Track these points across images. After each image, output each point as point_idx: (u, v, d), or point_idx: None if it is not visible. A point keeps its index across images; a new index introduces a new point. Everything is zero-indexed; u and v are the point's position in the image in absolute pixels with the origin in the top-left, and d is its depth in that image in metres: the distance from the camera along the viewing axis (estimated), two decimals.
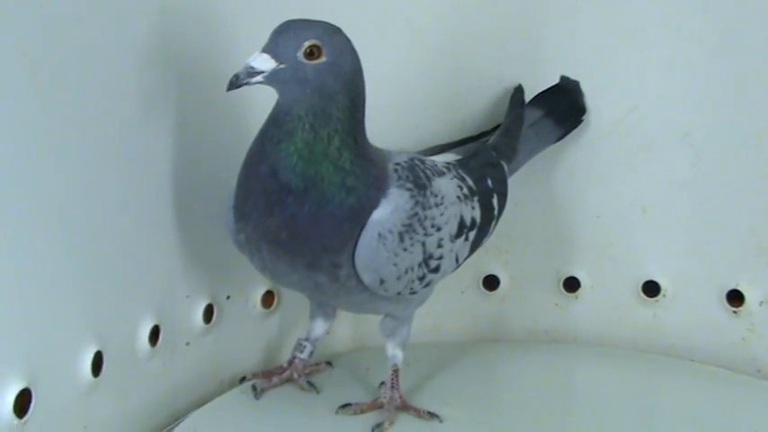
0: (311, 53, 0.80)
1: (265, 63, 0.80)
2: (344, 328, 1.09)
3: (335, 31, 0.83)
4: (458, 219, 0.91)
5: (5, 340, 0.77)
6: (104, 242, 0.87)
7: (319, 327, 0.99)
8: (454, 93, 1.08)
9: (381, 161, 0.87)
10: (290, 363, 0.98)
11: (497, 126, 1.04)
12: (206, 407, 0.96)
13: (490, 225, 0.96)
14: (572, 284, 1.11)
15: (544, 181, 1.09)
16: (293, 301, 1.05)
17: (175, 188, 0.95)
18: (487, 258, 1.10)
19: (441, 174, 0.91)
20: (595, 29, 1.06)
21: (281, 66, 0.80)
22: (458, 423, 0.92)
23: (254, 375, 0.99)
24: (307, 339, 0.99)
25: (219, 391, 1.00)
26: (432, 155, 0.98)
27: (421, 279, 0.89)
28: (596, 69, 1.07)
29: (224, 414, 0.95)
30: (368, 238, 0.84)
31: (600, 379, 1.07)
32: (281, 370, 0.98)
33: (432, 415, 0.92)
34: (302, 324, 1.02)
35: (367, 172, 0.84)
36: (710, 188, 1.06)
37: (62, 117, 0.82)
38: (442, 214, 0.89)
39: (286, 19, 0.82)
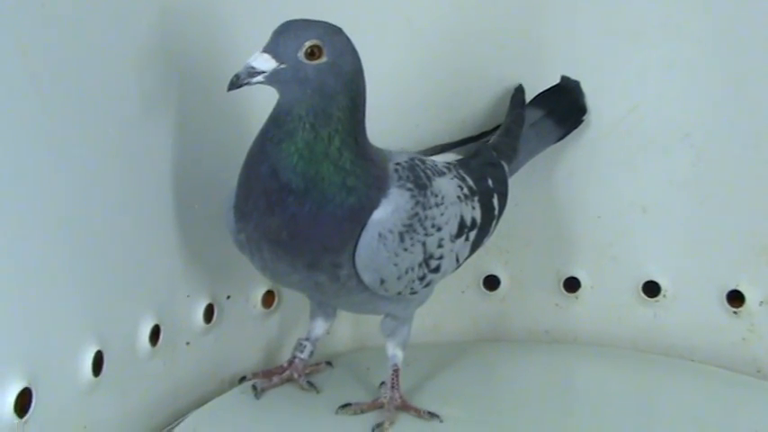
0: (312, 53, 0.80)
1: (266, 63, 0.80)
2: (344, 328, 1.09)
3: (336, 31, 0.83)
4: (458, 219, 0.91)
5: (6, 340, 0.78)
6: (104, 242, 0.87)
7: (319, 327, 0.99)
8: (454, 93, 1.08)
9: (382, 161, 0.87)
10: (291, 362, 0.98)
11: (498, 126, 1.04)
12: (206, 407, 0.96)
13: (490, 225, 0.96)
14: (572, 284, 1.11)
15: (544, 181, 1.09)
16: (293, 301, 1.05)
17: (175, 188, 0.95)
18: (488, 258, 1.10)
19: (441, 174, 0.91)
20: (595, 29, 1.06)
21: (282, 66, 0.80)
22: (458, 423, 0.92)
23: (255, 375, 0.99)
24: (307, 339, 0.99)
25: (220, 391, 1.00)
26: (432, 155, 0.98)
27: (421, 279, 0.89)
28: (596, 69, 1.07)
29: (224, 414, 0.95)
30: (368, 238, 0.84)
31: (600, 379, 1.07)
32: (282, 370, 0.98)
33: (432, 415, 0.92)
34: (302, 324, 1.02)
35: (367, 172, 0.84)
36: (710, 188, 1.06)
37: (62, 117, 0.82)
38: (442, 214, 0.89)
39: (286, 19, 0.82)
